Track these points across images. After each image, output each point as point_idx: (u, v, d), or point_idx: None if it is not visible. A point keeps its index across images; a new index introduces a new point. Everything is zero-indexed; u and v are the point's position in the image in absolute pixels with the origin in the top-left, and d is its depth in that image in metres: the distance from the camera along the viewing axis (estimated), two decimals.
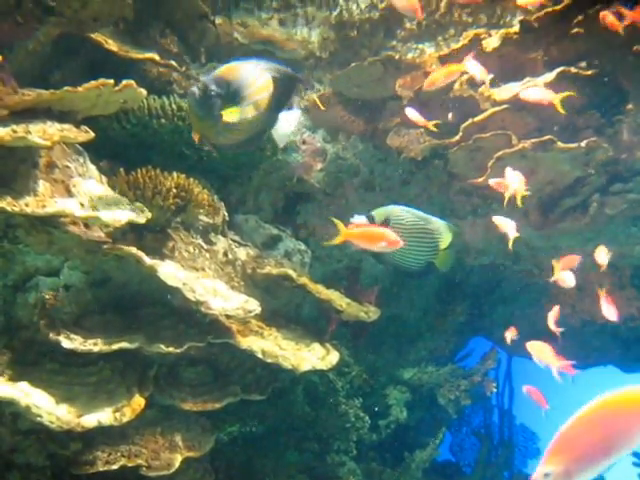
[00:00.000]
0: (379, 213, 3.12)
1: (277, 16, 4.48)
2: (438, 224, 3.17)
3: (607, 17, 3.38)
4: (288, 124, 2.60)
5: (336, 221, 2.98)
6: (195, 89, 2.26)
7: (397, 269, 3.47)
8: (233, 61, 2.42)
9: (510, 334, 4.20)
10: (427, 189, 4.35)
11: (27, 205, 2.75)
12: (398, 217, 3.10)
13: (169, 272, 3.17)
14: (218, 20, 4.32)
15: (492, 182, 3.54)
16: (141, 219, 3.05)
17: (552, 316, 3.93)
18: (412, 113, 3.70)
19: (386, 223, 3.05)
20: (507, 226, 3.57)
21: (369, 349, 5.05)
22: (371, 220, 3.09)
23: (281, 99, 2.53)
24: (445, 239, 3.16)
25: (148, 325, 3.31)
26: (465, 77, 3.95)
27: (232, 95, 2.31)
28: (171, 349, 3.15)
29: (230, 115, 2.28)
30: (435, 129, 3.71)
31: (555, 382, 4.60)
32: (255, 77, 2.37)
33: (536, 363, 5.56)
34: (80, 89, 2.88)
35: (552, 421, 4.73)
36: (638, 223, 4.17)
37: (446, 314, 5.50)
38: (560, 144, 3.61)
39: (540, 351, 3.69)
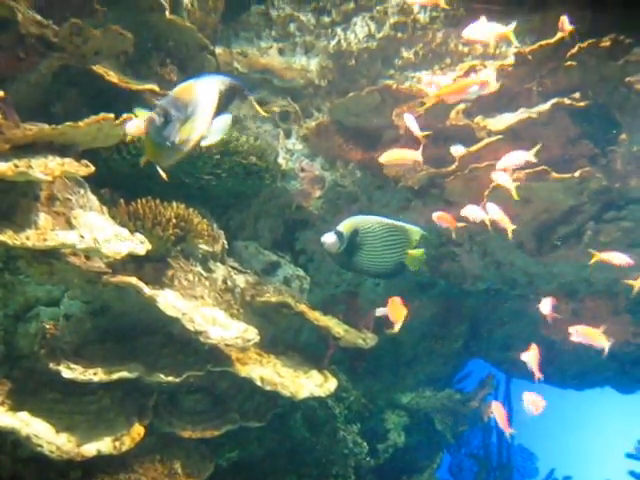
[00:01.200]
0: (346, 226, 3.17)
1: (276, 45, 4.55)
2: (405, 227, 3.21)
3: None
4: (218, 127, 2.57)
5: None
6: (155, 117, 2.20)
7: (370, 274, 3.55)
8: (187, 80, 2.36)
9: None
10: (424, 215, 4.38)
11: (28, 238, 2.79)
12: (365, 227, 3.15)
13: (168, 302, 3.20)
14: (218, 50, 4.39)
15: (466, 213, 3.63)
16: (141, 251, 3.09)
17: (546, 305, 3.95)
18: (410, 119, 3.70)
19: (354, 235, 3.09)
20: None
21: (367, 373, 5.08)
22: (339, 236, 3.14)
23: (221, 108, 2.54)
24: (413, 240, 3.21)
25: (147, 354, 3.34)
26: (461, 106, 4.01)
27: (188, 115, 2.29)
28: (170, 378, 3.18)
29: (185, 135, 2.28)
30: (424, 140, 3.72)
31: (554, 403, 4.64)
32: (207, 94, 2.38)
33: (533, 384, 5.58)
34: (81, 124, 2.91)
35: (550, 441, 4.78)
36: (632, 249, 4.20)
37: (444, 337, 5.53)
38: (554, 174, 3.66)
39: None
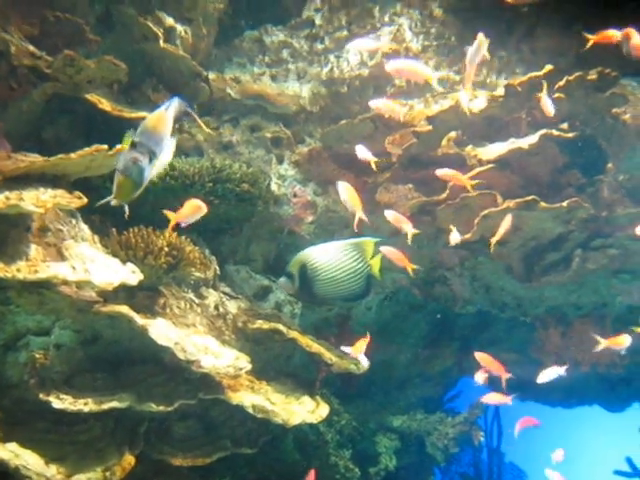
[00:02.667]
0: (293, 264, 3.21)
1: (269, 71, 4.58)
2: (357, 241, 3.24)
3: None
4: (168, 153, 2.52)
5: None
6: (141, 157, 2.11)
7: (340, 300, 3.58)
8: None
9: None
10: (416, 241, 4.40)
11: (19, 270, 2.80)
12: (312, 258, 3.18)
13: (160, 331, 3.22)
14: (211, 75, 4.42)
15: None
16: (133, 281, 3.11)
17: None
18: (361, 151, 3.75)
19: (303, 270, 3.12)
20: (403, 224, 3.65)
21: (359, 394, 5.10)
22: (288, 276, 3.17)
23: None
24: (369, 251, 3.22)
25: (139, 383, 3.35)
26: (452, 134, 4.05)
27: (162, 149, 2.25)
28: (161, 408, 3.19)
29: (156, 170, 2.25)
30: (375, 168, 3.74)
31: (544, 421, 4.66)
32: (170, 122, 2.33)
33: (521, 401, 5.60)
34: (73, 156, 2.93)
35: (540, 459, 4.79)
36: (619, 275, 4.25)
37: (435, 358, 5.55)
38: (543, 204, 3.70)
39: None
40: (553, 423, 6.80)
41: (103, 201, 2.26)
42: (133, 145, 2.12)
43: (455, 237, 3.79)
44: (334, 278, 3.15)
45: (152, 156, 2.14)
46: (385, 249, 3.46)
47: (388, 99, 3.83)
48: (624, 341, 3.90)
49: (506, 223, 3.57)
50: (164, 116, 2.19)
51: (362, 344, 3.56)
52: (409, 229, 3.63)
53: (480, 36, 3.31)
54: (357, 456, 4.59)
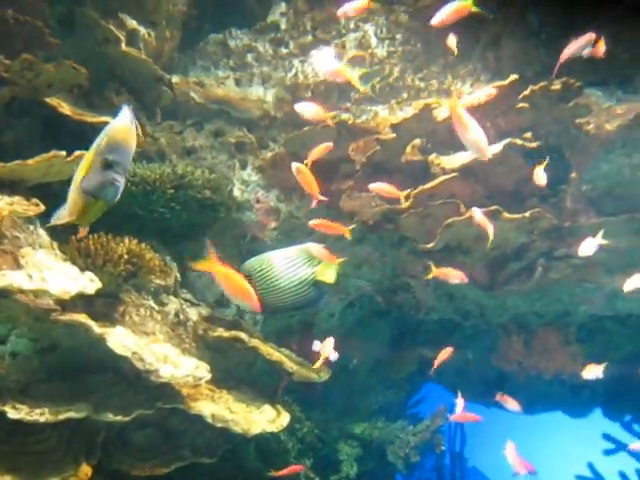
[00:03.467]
0: (244, 270, 3.18)
1: (233, 75, 4.54)
2: (301, 249, 3.21)
3: None
4: None
5: None
6: (119, 178, 1.95)
7: (290, 309, 3.56)
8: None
9: None
10: (379, 248, 4.40)
11: None
12: (257, 266, 3.15)
13: (118, 340, 3.17)
14: (175, 79, 4.37)
15: None
16: (91, 290, 3.06)
17: None
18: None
19: (249, 279, 3.09)
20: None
21: (321, 401, 5.08)
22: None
23: None
24: (316, 259, 3.20)
25: (97, 392, 3.31)
26: (417, 142, 4.04)
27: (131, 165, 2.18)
28: (119, 418, 3.15)
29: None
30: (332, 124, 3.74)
31: (505, 427, 4.67)
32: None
33: (488, 408, 5.64)
34: (31, 162, 2.89)
35: (503, 463, 4.81)
36: (582, 285, 4.26)
37: (398, 363, 5.54)
38: (506, 214, 3.70)
39: None
40: (517, 429, 6.84)
41: (59, 222, 2.13)
42: (108, 164, 1.95)
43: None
44: (280, 287, 3.12)
45: (127, 175, 2.02)
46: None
47: (313, 101, 3.80)
48: None
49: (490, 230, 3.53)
50: (133, 129, 2.04)
51: (330, 343, 3.54)
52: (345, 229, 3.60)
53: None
54: (318, 464, 4.58)
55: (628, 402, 5.63)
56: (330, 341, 3.62)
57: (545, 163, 3.61)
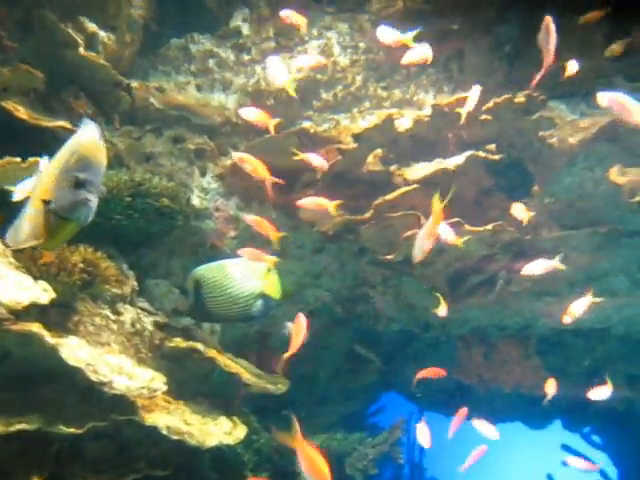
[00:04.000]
0: (189, 280, 3.14)
1: (194, 81, 4.47)
2: (248, 262, 3.18)
3: None
4: None
5: None
6: (93, 198, 1.87)
7: (236, 320, 3.52)
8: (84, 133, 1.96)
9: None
10: (339, 258, 4.37)
11: None
12: (207, 275, 3.12)
13: (71, 352, 3.11)
14: (134, 83, 4.30)
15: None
16: (44, 300, 3.00)
17: None
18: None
19: (198, 286, 3.05)
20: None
21: (279, 411, 5.03)
22: (183, 292, 3.11)
23: None
24: (263, 270, 3.17)
25: (50, 403, 3.23)
26: (378, 152, 4.01)
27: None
28: (72, 430, 3.08)
29: None
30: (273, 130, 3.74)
31: (464, 436, 4.66)
32: None
33: (447, 417, 5.61)
34: None
35: (461, 473, 4.80)
36: (543, 298, 4.26)
37: (358, 373, 5.51)
38: (467, 227, 3.68)
39: None
40: (476, 439, 6.83)
41: (23, 245, 2.02)
42: (79, 183, 1.86)
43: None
44: (228, 296, 3.09)
45: (100, 194, 1.93)
46: (248, 217, 3.40)
47: (259, 108, 3.77)
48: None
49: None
50: (102, 145, 1.96)
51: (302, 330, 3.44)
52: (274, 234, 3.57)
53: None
54: (276, 475, 4.52)
55: (588, 414, 5.65)
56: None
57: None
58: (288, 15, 3.78)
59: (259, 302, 3.17)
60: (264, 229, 3.53)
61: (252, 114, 3.69)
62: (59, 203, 1.88)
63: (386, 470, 6.33)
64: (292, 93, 3.68)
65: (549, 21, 3.12)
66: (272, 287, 3.20)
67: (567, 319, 3.78)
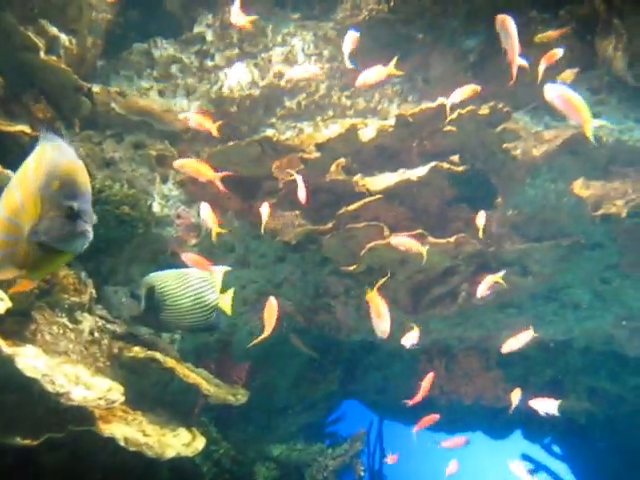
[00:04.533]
0: (142, 285, 3.10)
1: (157, 86, 4.42)
2: (204, 273, 3.15)
3: None
4: None
5: None
6: (88, 228, 1.75)
7: (187, 330, 3.49)
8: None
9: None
10: (301, 267, 4.34)
11: None
12: (162, 282, 3.08)
13: (28, 362, 3.05)
14: (96, 88, 4.23)
15: None
16: (1, 310, 2.94)
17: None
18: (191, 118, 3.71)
19: (151, 292, 3.02)
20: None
21: (239, 420, 5.00)
22: (136, 296, 3.07)
23: None
24: (217, 283, 3.15)
25: (5, 413, 3.18)
26: (341, 161, 3.98)
27: None
28: (27, 442, 3.04)
29: None
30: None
31: (422, 443, 4.66)
32: None
33: (407, 426, 5.62)
34: None
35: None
36: (505, 310, 4.26)
37: (318, 382, 5.50)
38: (431, 239, 3.67)
39: None
40: (436, 448, 6.84)
41: (2, 277, 1.83)
42: (75, 214, 1.72)
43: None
44: (181, 306, 3.04)
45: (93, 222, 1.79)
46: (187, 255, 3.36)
47: (200, 113, 3.76)
48: None
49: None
50: (84, 167, 1.80)
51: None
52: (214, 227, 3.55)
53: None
54: None
55: (548, 424, 5.67)
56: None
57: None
58: (238, 20, 3.75)
59: (211, 316, 3.13)
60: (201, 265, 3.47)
61: (194, 119, 3.65)
62: (51, 234, 1.73)
63: (346, 478, 6.33)
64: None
65: (503, 19, 3.12)
66: (226, 303, 3.16)
67: (505, 349, 3.83)
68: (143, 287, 3.12)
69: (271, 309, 3.43)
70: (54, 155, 1.79)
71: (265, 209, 3.69)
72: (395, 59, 3.47)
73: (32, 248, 1.75)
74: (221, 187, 3.52)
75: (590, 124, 2.88)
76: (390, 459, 4.67)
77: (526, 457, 6.64)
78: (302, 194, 3.60)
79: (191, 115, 3.68)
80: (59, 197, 1.73)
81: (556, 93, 2.90)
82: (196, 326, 3.15)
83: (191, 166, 3.51)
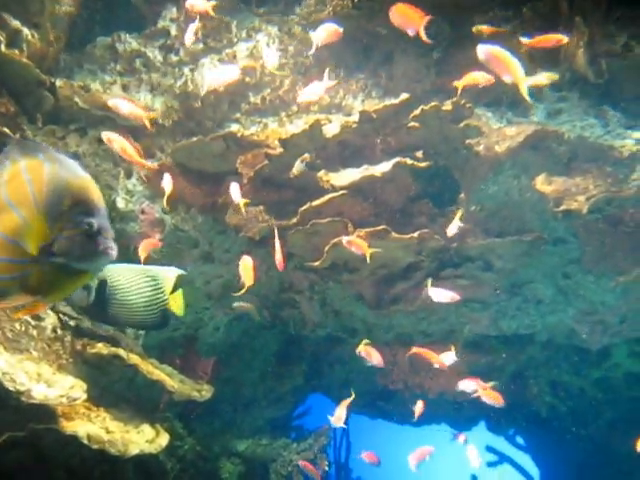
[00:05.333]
0: (100, 276, 3.08)
1: (121, 80, 4.38)
2: (158, 272, 3.14)
3: None
4: None
5: None
6: (111, 245, 1.66)
7: (134, 326, 3.49)
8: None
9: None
10: (266, 262, 4.33)
11: None
12: (114, 276, 3.06)
13: None
14: (59, 82, 4.19)
15: None
16: None
17: None
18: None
19: (103, 286, 3.00)
20: None
21: (205, 414, 4.99)
22: (86, 288, 3.05)
23: None
24: (169, 284, 3.14)
25: None
26: (306, 156, 3.97)
27: None
28: None
29: None
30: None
31: (387, 437, 4.68)
32: None
33: (372, 420, 5.65)
34: None
35: (386, 473, 4.82)
36: (468, 305, 4.28)
37: (284, 376, 5.50)
38: (394, 234, 3.67)
39: None
40: (401, 440, 6.87)
41: (16, 302, 1.68)
42: (95, 231, 1.63)
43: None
44: (130, 302, 3.02)
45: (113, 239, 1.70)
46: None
47: (129, 101, 3.76)
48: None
49: None
50: (92, 179, 1.70)
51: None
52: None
53: None
54: None
55: (511, 416, 5.72)
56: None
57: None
58: (193, 4, 3.74)
59: (159, 314, 3.11)
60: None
61: (125, 106, 3.64)
62: (72, 254, 1.63)
63: None
64: None
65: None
66: (177, 303, 3.14)
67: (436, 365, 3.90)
68: (94, 280, 3.09)
69: (245, 263, 3.55)
70: (56, 170, 1.67)
71: (235, 188, 3.69)
72: (327, 70, 3.68)
73: (48, 270, 1.64)
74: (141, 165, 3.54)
75: (523, 82, 2.92)
76: (367, 456, 4.68)
77: (490, 449, 6.69)
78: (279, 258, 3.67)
79: (120, 102, 3.66)
80: (73, 215, 1.63)
81: (488, 52, 2.94)
82: (144, 324, 3.13)
83: (118, 142, 3.50)
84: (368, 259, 3.57)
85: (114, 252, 1.66)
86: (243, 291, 3.60)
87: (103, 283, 2.95)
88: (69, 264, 1.63)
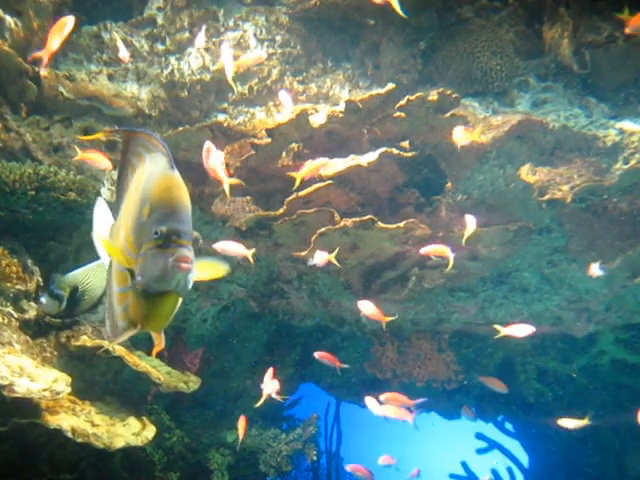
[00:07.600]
0: (63, 284, 3.05)
1: (106, 70, 4.34)
2: None
3: None
4: None
5: None
6: (187, 253, 1.40)
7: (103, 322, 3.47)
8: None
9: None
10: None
11: None
12: (85, 279, 3.04)
13: None
14: (43, 72, 4.14)
15: None
16: None
17: None
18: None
19: (74, 291, 2.98)
20: None
21: (193, 405, 4.97)
22: (57, 297, 3.02)
23: None
24: None
25: None
26: (293, 146, 3.95)
27: None
28: None
29: None
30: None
31: (378, 424, 4.67)
32: None
33: (363, 408, 5.65)
34: None
35: (375, 461, 4.82)
36: (455, 293, 4.27)
37: (274, 366, 5.49)
38: (380, 224, 3.65)
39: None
40: (391, 429, 6.88)
41: (121, 338, 1.56)
42: (165, 240, 1.40)
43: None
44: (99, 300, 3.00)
45: (195, 247, 1.49)
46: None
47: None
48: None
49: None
50: (178, 177, 1.50)
51: None
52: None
53: None
54: (188, 473, 4.46)
55: (500, 403, 5.72)
56: None
57: None
58: None
59: None
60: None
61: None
62: (148, 274, 1.41)
63: (303, 460, 6.33)
64: None
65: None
66: None
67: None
68: (66, 287, 3.05)
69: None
70: (146, 171, 1.50)
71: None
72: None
73: (137, 296, 1.46)
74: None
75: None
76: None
77: (480, 436, 6.70)
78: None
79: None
80: (149, 224, 1.42)
81: None
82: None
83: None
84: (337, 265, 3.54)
85: (186, 264, 1.38)
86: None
87: (75, 289, 2.93)
88: (147, 287, 1.42)
